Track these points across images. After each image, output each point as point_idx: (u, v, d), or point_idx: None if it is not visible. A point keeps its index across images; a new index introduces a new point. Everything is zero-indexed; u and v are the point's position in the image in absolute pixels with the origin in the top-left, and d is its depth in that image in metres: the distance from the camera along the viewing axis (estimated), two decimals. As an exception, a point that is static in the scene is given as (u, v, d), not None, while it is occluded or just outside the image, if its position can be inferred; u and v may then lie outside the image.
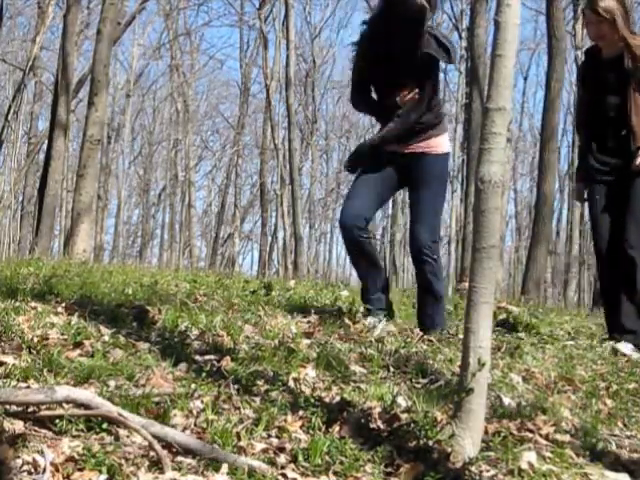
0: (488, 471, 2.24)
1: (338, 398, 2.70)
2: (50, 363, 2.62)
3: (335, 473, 2.12)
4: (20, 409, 2.17)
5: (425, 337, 3.91)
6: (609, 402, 3.11)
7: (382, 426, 2.45)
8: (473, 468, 2.21)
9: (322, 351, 3.28)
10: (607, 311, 4.60)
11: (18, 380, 2.47)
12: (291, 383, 2.80)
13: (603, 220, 4.51)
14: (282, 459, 2.16)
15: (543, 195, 10.95)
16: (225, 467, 2.04)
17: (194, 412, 2.41)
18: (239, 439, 2.23)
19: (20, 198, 26.88)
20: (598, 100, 4.57)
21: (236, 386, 2.68)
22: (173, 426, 2.26)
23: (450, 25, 28.32)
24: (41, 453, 1.95)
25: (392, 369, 3.22)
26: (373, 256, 4.24)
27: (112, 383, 2.54)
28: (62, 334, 3.06)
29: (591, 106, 4.61)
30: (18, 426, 2.12)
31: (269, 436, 2.32)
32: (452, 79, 28.65)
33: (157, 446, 2.05)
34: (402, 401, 2.71)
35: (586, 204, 4.86)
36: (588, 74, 4.69)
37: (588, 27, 4.62)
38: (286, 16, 20.58)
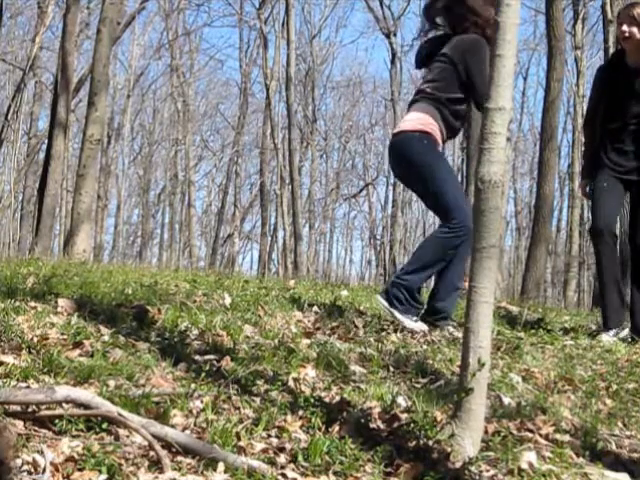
0: (488, 471, 2.24)
1: (338, 398, 2.70)
2: (50, 363, 2.62)
3: (335, 473, 2.12)
4: (20, 409, 2.17)
5: (425, 337, 3.91)
6: (609, 402, 3.11)
7: (382, 426, 2.45)
8: (473, 468, 2.21)
9: (322, 351, 3.28)
10: (606, 304, 4.67)
11: (18, 380, 2.47)
12: (291, 383, 2.80)
13: (605, 206, 4.63)
14: (282, 459, 2.17)
15: (543, 195, 10.94)
16: (225, 467, 2.04)
17: (194, 412, 2.42)
18: (239, 439, 2.23)
19: (20, 198, 26.86)
20: (619, 106, 4.67)
21: (236, 386, 2.68)
22: (173, 426, 2.26)
23: (450, 25, 28.35)
24: (41, 453, 1.95)
25: (392, 369, 3.22)
26: None
27: (112, 383, 2.54)
28: (62, 334, 3.06)
29: (610, 110, 4.70)
30: (18, 426, 2.12)
31: (269, 436, 2.32)
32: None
33: (157, 446, 2.05)
34: (402, 401, 2.71)
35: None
36: (610, 78, 4.77)
37: (619, 27, 4.72)
38: (286, 16, 20.57)
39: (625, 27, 4.62)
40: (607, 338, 4.41)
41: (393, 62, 26.58)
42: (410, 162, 4.18)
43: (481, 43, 4.17)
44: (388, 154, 4.42)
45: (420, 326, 4.06)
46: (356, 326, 3.97)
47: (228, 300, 4.26)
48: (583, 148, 5.02)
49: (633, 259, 4.71)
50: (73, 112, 20.30)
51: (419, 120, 4.17)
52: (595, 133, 4.79)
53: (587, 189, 4.86)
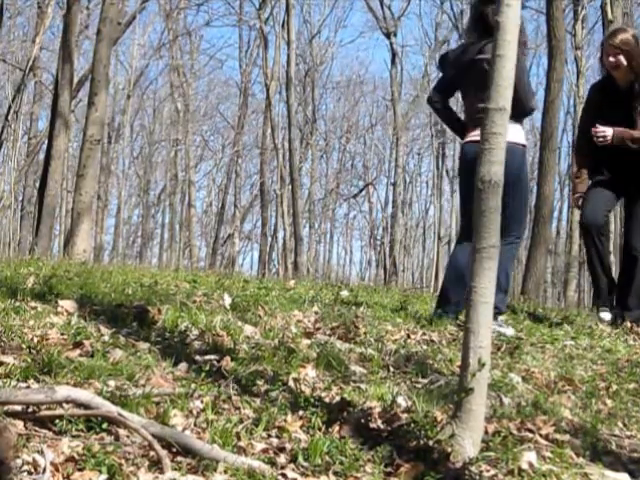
0: (488, 471, 2.24)
1: (338, 398, 2.70)
2: (50, 363, 2.62)
3: (335, 473, 2.12)
4: (20, 409, 2.17)
5: (426, 337, 3.91)
6: (609, 402, 3.11)
7: (382, 426, 2.45)
8: (473, 468, 2.21)
9: (322, 351, 3.28)
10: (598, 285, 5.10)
11: (18, 380, 2.47)
12: (291, 383, 2.80)
13: (592, 202, 4.96)
14: (282, 459, 2.16)
15: (543, 195, 10.93)
16: (225, 467, 2.04)
17: (194, 412, 2.42)
18: (239, 439, 2.23)
19: (20, 198, 26.86)
20: (615, 124, 4.89)
21: (236, 386, 2.68)
22: (173, 426, 2.26)
23: (450, 25, 28.38)
24: (41, 453, 1.95)
25: (392, 369, 3.22)
26: None
27: (112, 383, 2.54)
28: (62, 334, 3.06)
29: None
30: (18, 426, 2.12)
31: (269, 436, 2.32)
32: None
33: (157, 446, 2.05)
34: (402, 401, 2.71)
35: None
36: (604, 98, 5.02)
37: (605, 58, 4.92)
38: (286, 16, 20.56)
39: (612, 58, 4.83)
40: (604, 315, 4.85)
41: (393, 62, 26.59)
42: None
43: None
44: None
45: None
46: (356, 326, 3.97)
47: (228, 301, 4.26)
48: (576, 167, 5.22)
49: (623, 261, 5.12)
50: (73, 112, 20.28)
51: None
52: (590, 150, 5.03)
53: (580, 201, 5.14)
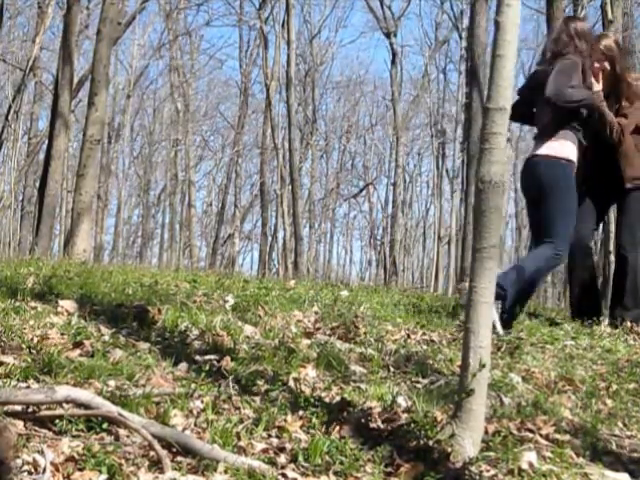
0: (488, 471, 2.24)
1: (338, 398, 2.70)
2: (50, 363, 2.62)
3: (335, 473, 2.12)
4: (20, 409, 2.17)
5: (426, 337, 3.91)
6: (609, 402, 3.11)
7: (382, 426, 2.45)
8: (473, 468, 2.21)
9: (322, 351, 3.28)
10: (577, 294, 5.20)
11: (18, 380, 2.47)
12: (291, 383, 2.80)
13: (580, 221, 4.92)
14: (282, 459, 2.17)
15: (543, 195, 10.93)
16: (225, 467, 2.04)
17: (194, 412, 2.42)
18: (239, 439, 2.23)
19: (20, 198, 26.84)
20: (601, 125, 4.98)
21: (236, 386, 2.68)
22: (173, 426, 2.26)
23: (450, 25, 28.38)
24: (41, 453, 1.95)
25: (392, 369, 3.22)
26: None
27: (112, 383, 2.54)
28: (62, 334, 3.06)
29: (596, 131, 4.99)
30: (18, 426, 2.12)
31: (269, 436, 2.32)
32: (452, 79, 28.65)
33: (157, 446, 2.05)
34: (402, 401, 2.71)
35: None
36: None
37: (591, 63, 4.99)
38: (286, 16, 20.55)
39: (596, 64, 4.91)
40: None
41: (393, 62, 26.59)
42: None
43: (574, 61, 4.52)
44: None
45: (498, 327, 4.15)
46: (356, 326, 3.97)
47: (231, 302, 4.25)
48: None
49: (616, 261, 5.19)
50: (73, 112, 20.27)
51: None
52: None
53: None
